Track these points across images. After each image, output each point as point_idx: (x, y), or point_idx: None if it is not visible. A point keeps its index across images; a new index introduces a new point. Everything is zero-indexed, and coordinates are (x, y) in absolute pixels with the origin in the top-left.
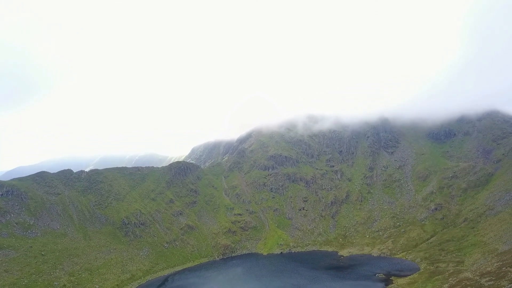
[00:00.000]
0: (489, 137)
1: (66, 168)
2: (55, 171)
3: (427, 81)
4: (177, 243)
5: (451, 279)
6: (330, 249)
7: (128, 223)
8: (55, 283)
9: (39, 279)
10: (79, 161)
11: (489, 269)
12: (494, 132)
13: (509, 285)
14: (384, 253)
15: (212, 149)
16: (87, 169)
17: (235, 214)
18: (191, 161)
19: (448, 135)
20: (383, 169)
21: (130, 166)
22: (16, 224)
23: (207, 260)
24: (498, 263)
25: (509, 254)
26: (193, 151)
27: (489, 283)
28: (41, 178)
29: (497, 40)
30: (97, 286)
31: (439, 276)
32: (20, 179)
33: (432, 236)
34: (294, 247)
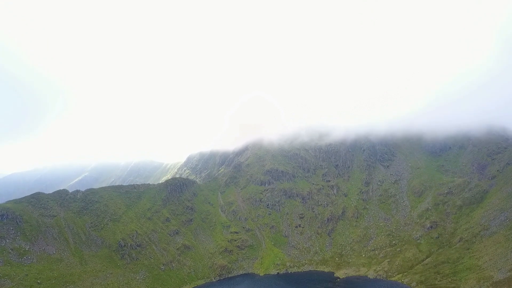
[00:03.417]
0: (484, 151)
1: (61, 186)
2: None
3: (425, 94)
4: (173, 265)
5: None
6: (326, 269)
7: (125, 245)
8: None
9: None
10: (72, 169)
11: None
12: (489, 146)
13: None
14: (380, 275)
15: (208, 159)
16: (81, 177)
17: (231, 232)
18: (187, 170)
19: (443, 148)
20: (378, 183)
21: (125, 173)
22: (12, 250)
23: (204, 282)
24: None
25: (504, 286)
26: (188, 159)
27: None
28: (36, 200)
29: (497, 54)
30: None
31: None
32: (15, 202)
33: (427, 257)
34: (290, 267)
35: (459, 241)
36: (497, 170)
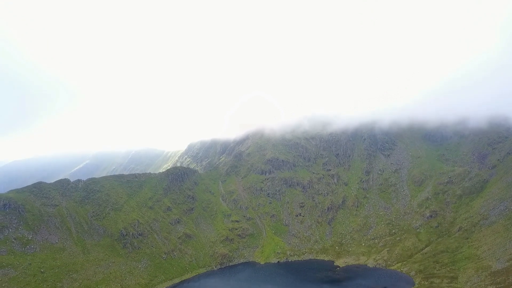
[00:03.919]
0: (484, 141)
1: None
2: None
3: (428, 84)
4: (175, 253)
5: None
6: (326, 258)
7: (126, 234)
8: None
9: None
10: (73, 157)
11: None
12: (490, 136)
13: None
14: (379, 264)
15: (209, 148)
16: (82, 165)
17: (232, 221)
18: (187, 158)
19: (444, 137)
20: (379, 172)
21: (126, 161)
22: (15, 239)
23: (205, 271)
24: (491, 286)
25: (502, 276)
26: (189, 147)
27: None
28: (38, 189)
29: (500, 45)
30: None
31: None
32: (17, 191)
33: (426, 246)
34: (291, 255)
35: (458, 231)
36: (498, 160)
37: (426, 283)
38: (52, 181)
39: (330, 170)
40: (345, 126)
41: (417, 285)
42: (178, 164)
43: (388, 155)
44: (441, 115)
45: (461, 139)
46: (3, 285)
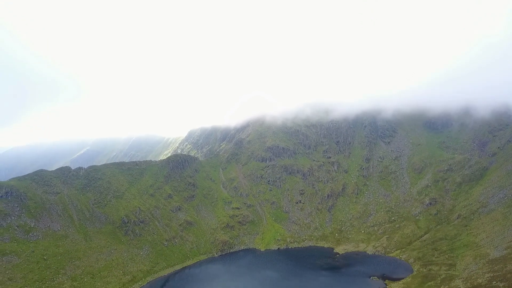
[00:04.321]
0: (485, 128)
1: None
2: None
3: (429, 71)
4: (176, 240)
5: (442, 287)
6: (326, 245)
7: (128, 222)
8: None
9: (42, 286)
10: (74, 143)
11: (480, 280)
12: (491, 123)
13: None
14: (378, 251)
15: (209, 135)
16: (82, 151)
17: (233, 208)
18: (188, 145)
19: (445, 124)
20: (379, 160)
21: (127, 147)
22: (17, 227)
23: (206, 257)
24: (489, 274)
25: (499, 264)
26: (190, 134)
27: None
28: (39, 177)
29: (504, 32)
30: None
31: (431, 283)
32: (19, 179)
33: (425, 233)
34: (291, 242)
35: (457, 218)
36: (498, 147)
37: (424, 270)
38: (53, 168)
39: (330, 157)
40: (347, 112)
41: (415, 272)
42: (179, 151)
43: (389, 142)
44: (443, 102)
45: (462, 127)
46: (7, 272)
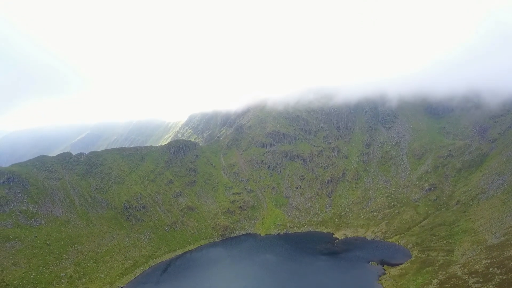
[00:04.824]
0: (486, 114)
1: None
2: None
3: (434, 54)
4: (177, 226)
5: (440, 273)
6: (325, 230)
7: (129, 207)
8: (61, 274)
9: (46, 271)
10: (74, 127)
11: (477, 267)
12: (492, 109)
13: None
14: (377, 236)
15: (210, 119)
16: (83, 135)
17: (233, 193)
18: (188, 129)
19: (446, 110)
20: (379, 145)
21: (127, 131)
22: (20, 213)
23: (207, 242)
24: (486, 260)
25: (497, 250)
26: (190, 118)
27: (477, 285)
28: (41, 163)
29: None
30: (102, 275)
31: (429, 268)
32: (20, 165)
33: (424, 219)
34: (291, 227)
35: (456, 204)
36: (499, 133)
37: (422, 256)
38: (54, 151)
39: (330, 143)
40: (349, 97)
41: (413, 258)
42: (179, 135)
43: (389, 128)
44: (445, 88)
45: (463, 112)
46: (11, 257)
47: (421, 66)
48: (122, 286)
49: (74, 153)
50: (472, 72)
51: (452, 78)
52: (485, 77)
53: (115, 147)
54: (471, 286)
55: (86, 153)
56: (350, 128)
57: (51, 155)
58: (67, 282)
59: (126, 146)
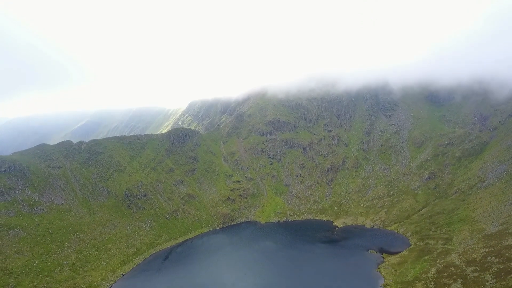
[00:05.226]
0: (487, 102)
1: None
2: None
3: (436, 41)
4: (178, 214)
5: (438, 261)
6: (325, 218)
7: (130, 195)
8: (64, 262)
9: (49, 259)
10: (74, 114)
11: (475, 255)
12: (493, 97)
13: (492, 280)
14: (377, 224)
15: (210, 107)
16: (83, 122)
17: (234, 181)
18: (188, 117)
19: (447, 98)
20: (380, 133)
21: (127, 118)
22: (22, 201)
23: (208, 230)
24: (484, 249)
25: (495, 239)
26: (190, 105)
27: (474, 274)
28: (41, 152)
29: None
30: (104, 263)
31: (428, 256)
32: (21, 153)
33: (424, 207)
34: (290, 215)
35: (455, 193)
36: (499, 122)
37: (421, 244)
38: (54, 138)
39: (331, 131)
40: (351, 85)
41: (412, 246)
42: (179, 123)
43: (390, 116)
44: (446, 75)
45: (464, 100)
46: (14, 245)
47: (424, 54)
48: (124, 273)
49: (74, 140)
50: (471, 59)
51: (451, 66)
52: (483, 63)
53: (115, 134)
54: (468, 275)
55: (87, 141)
56: (351, 116)
57: (51, 142)
58: (70, 269)
59: (126, 133)
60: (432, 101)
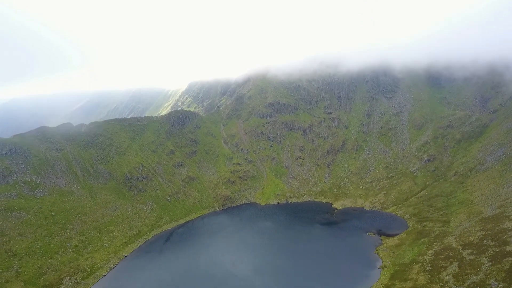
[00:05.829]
0: (488, 84)
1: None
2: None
3: (438, 22)
4: (179, 196)
5: (435, 244)
6: (324, 200)
7: (131, 178)
8: (67, 244)
9: (52, 241)
10: (73, 95)
11: (472, 238)
12: (495, 78)
13: (488, 263)
14: (375, 206)
15: (210, 88)
16: (82, 103)
17: (234, 164)
18: (188, 98)
19: (447, 80)
20: (380, 115)
21: (127, 99)
22: (24, 183)
23: (208, 212)
24: (481, 232)
25: (492, 222)
26: (190, 86)
27: (470, 257)
28: (42, 134)
29: None
30: (106, 245)
31: (425, 239)
32: (21, 136)
33: (422, 190)
34: (290, 197)
35: (454, 175)
36: (500, 104)
37: (419, 226)
38: (54, 119)
39: (331, 113)
40: (352, 66)
41: (410, 228)
42: (179, 104)
43: (390, 98)
44: (448, 57)
45: (465, 82)
46: (17, 227)
47: (425, 34)
48: (126, 255)
49: (74, 122)
50: (473, 40)
51: (453, 47)
52: (485, 45)
53: (115, 115)
54: (465, 257)
55: (87, 123)
56: (351, 98)
57: (50, 124)
58: (73, 251)
59: (126, 114)
60: (433, 83)
